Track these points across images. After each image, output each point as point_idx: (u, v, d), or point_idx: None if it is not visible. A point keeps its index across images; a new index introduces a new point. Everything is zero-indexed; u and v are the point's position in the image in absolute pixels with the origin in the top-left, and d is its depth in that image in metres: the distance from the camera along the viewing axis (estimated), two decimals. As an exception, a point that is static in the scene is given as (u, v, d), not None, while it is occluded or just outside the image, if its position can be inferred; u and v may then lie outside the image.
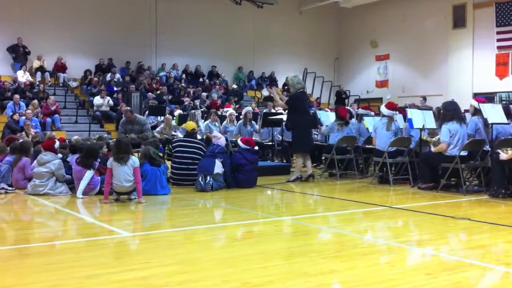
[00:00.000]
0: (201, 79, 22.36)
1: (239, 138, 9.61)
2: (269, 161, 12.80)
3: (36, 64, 19.47)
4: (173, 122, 14.58)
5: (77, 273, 3.92)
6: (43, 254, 4.61)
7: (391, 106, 9.77)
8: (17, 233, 5.71)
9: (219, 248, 4.89)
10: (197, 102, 19.59)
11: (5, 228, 6.08)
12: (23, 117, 15.12)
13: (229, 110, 14.55)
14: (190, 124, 9.58)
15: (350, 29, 25.84)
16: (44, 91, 18.10)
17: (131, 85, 19.49)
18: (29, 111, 15.40)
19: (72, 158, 8.22)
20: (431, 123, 9.23)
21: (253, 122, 12.92)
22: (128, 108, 12.57)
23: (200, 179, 8.35)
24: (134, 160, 7.33)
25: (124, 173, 7.19)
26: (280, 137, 12.76)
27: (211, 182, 8.30)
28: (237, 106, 19.19)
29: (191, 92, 20.79)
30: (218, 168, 8.47)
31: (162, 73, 21.67)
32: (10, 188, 8.26)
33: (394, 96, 22.29)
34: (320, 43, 25.79)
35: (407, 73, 23.35)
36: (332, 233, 5.59)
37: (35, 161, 8.36)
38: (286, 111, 10.49)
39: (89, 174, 7.69)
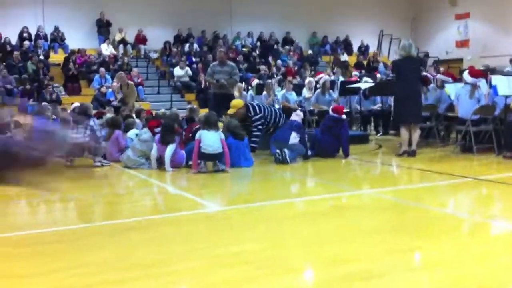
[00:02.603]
0: (275, 46, 22.40)
1: (332, 106, 9.74)
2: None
3: (118, 37, 20.23)
4: (251, 92, 14.85)
5: (177, 247, 4.25)
6: (143, 229, 4.93)
7: (475, 73, 9.52)
8: (116, 207, 6.13)
9: (304, 223, 5.04)
10: (273, 69, 19.71)
11: (106, 201, 6.57)
12: (109, 89, 15.84)
13: (308, 79, 14.51)
14: (240, 102, 9.65)
15: (427, -13, 24.92)
16: (127, 63, 18.80)
17: (208, 54, 19.84)
18: (114, 83, 16.08)
19: (156, 136, 8.57)
20: (517, 90, 8.94)
21: (330, 90, 12.88)
22: (223, 49, 13.03)
23: (278, 151, 8.52)
24: (221, 134, 7.74)
25: (213, 137, 7.60)
26: (358, 106, 12.73)
27: (287, 155, 8.37)
28: (312, 72, 19.17)
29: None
30: (294, 139, 8.62)
31: (237, 42, 21.89)
32: (106, 162, 8.80)
33: (476, 57, 21.47)
34: (396, 2, 25.07)
35: (489, 32, 22.29)
36: (416, 207, 5.64)
37: (133, 134, 8.86)
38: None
39: (171, 147, 7.97)
